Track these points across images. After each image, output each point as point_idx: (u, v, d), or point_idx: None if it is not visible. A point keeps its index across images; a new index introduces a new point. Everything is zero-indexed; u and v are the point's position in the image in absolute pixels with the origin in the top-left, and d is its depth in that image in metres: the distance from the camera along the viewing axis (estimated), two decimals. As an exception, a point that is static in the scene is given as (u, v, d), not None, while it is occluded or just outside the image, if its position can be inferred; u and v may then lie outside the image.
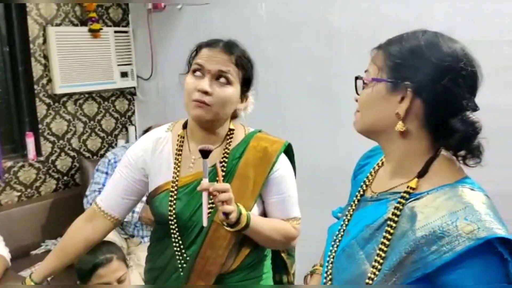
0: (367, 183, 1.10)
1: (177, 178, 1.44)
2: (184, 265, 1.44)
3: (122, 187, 1.51)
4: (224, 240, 1.41)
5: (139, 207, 2.80)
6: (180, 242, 1.44)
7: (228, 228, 1.34)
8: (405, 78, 0.93)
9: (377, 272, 0.93)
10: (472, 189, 0.92)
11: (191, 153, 1.46)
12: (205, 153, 1.27)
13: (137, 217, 2.80)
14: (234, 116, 1.49)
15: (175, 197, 1.43)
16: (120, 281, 1.84)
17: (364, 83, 1.01)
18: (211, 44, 1.39)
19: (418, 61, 0.92)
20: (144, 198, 2.80)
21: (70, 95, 3.41)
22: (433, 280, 0.86)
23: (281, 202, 1.48)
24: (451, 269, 0.84)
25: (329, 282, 1.06)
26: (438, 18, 2.15)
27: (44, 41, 3.20)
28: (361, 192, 1.10)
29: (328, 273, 1.07)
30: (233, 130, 1.48)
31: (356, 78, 1.03)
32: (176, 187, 1.43)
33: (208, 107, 1.35)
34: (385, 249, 0.93)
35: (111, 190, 1.53)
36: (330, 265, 1.07)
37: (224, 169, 1.42)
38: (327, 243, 1.14)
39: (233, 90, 1.39)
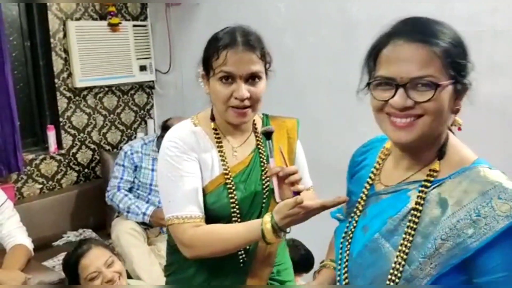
0: (373, 177, 1.09)
1: (228, 170, 1.41)
2: (246, 257, 1.42)
3: (193, 186, 1.37)
4: None
5: (150, 210, 2.84)
6: None
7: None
8: (465, 77, 0.93)
9: (404, 260, 0.92)
10: (490, 168, 0.92)
11: (230, 143, 1.45)
12: (267, 134, 1.31)
13: (147, 219, 2.83)
14: None
15: (234, 188, 1.40)
16: (109, 265, 1.88)
17: (433, 85, 0.89)
18: (230, 44, 1.32)
19: (466, 58, 0.94)
20: (155, 200, 2.76)
21: (90, 89, 3.46)
22: (469, 263, 0.87)
23: (302, 173, 1.45)
24: (491, 250, 0.85)
25: (346, 280, 1.05)
26: (458, 6, 2.12)
27: (64, 35, 3.25)
28: (368, 187, 1.09)
29: (344, 272, 1.06)
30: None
31: (420, 84, 0.91)
32: (231, 179, 1.40)
33: (249, 111, 1.36)
34: (411, 238, 0.93)
35: (185, 197, 1.35)
36: (345, 265, 1.06)
37: (263, 154, 1.46)
38: (336, 245, 1.12)
39: (264, 83, 1.39)
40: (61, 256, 2.60)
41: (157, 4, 3.59)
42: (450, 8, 2.12)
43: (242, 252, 1.42)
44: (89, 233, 3.21)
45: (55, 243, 3.09)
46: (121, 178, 2.96)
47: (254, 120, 1.49)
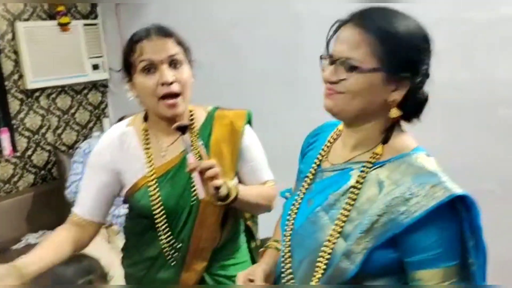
0: (322, 156, 1.16)
1: (153, 170, 1.43)
2: (176, 253, 1.46)
3: (94, 191, 1.47)
4: (213, 216, 1.44)
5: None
6: (169, 231, 1.44)
7: (220, 203, 1.33)
8: (404, 70, 0.97)
9: (338, 233, 1.00)
10: (427, 155, 1.02)
11: (160, 143, 1.46)
12: (182, 129, 1.29)
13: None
14: None
15: (157, 188, 1.42)
16: None
17: (359, 70, 0.97)
18: (144, 36, 1.35)
19: (414, 53, 0.97)
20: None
21: (42, 90, 3.42)
22: (398, 240, 0.96)
23: (254, 168, 1.52)
24: (417, 227, 0.93)
25: (288, 253, 1.13)
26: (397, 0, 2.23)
27: (13, 37, 3.20)
28: (316, 165, 1.16)
29: (287, 245, 1.13)
30: (192, 111, 1.49)
31: (342, 63, 0.99)
32: (154, 179, 1.43)
33: (179, 101, 1.35)
34: (347, 213, 1.01)
35: (85, 197, 1.49)
36: (288, 237, 1.13)
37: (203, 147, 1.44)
38: (282, 218, 1.20)
39: (188, 69, 1.39)
40: (21, 259, 2.57)
41: (107, 2, 3.57)
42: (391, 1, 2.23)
43: (172, 250, 1.46)
44: (49, 234, 3.18)
45: (14, 247, 3.06)
46: (82, 174, 2.96)
47: (192, 116, 1.48)
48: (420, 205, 0.93)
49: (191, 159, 1.26)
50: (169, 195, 1.42)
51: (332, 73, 1.00)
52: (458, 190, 0.93)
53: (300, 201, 1.15)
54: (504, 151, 2.08)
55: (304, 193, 1.15)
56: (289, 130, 2.77)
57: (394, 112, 1.00)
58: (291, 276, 1.11)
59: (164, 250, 1.46)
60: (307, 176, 1.16)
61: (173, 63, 1.36)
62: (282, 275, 1.13)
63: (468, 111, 2.12)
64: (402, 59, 0.96)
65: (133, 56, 1.36)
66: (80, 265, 1.76)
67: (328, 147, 1.17)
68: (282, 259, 1.14)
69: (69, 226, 1.47)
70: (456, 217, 0.94)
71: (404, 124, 1.07)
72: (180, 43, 1.39)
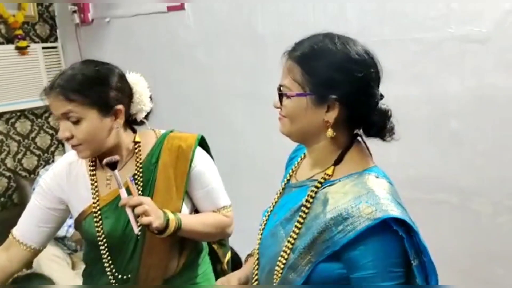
0: (292, 172, 1.22)
1: (97, 199, 1.43)
2: (124, 284, 1.45)
3: (37, 216, 1.47)
4: (163, 244, 1.44)
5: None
6: (113, 262, 1.44)
7: (158, 236, 1.35)
8: (329, 91, 1.01)
9: (290, 248, 1.05)
10: (377, 177, 1.05)
11: (105, 172, 1.45)
12: (112, 165, 1.30)
13: (72, 232, 2.80)
14: (136, 124, 1.50)
15: (100, 218, 1.42)
16: None
17: (287, 96, 1.05)
18: (46, 90, 1.35)
19: (338, 75, 1.01)
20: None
21: (1, 114, 3.35)
22: (341, 257, 0.99)
23: (208, 194, 1.51)
24: (355, 246, 0.97)
25: (257, 260, 1.18)
26: (351, 20, 2.32)
27: (-31, 62, 3.14)
28: (287, 180, 1.22)
29: (257, 252, 1.19)
30: (138, 142, 1.47)
31: (279, 90, 1.08)
32: (98, 208, 1.43)
33: (80, 148, 1.35)
34: (298, 229, 1.05)
35: (26, 219, 1.48)
36: (258, 245, 1.19)
37: (142, 179, 1.44)
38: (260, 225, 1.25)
39: (88, 123, 1.33)
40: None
41: (66, 25, 3.56)
42: (344, 21, 2.32)
43: (118, 282, 1.46)
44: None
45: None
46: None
47: (137, 146, 1.46)
48: (353, 226, 0.96)
49: (122, 195, 1.30)
50: (114, 225, 1.42)
51: (276, 101, 1.09)
52: (393, 212, 0.96)
53: (270, 213, 1.20)
54: (457, 161, 2.18)
55: (274, 206, 1.20)
56: (255, 146, 2.83)
57: (329, 132, 1.04)
58: (256, 282, 1.17)
59: (111, 281, 1.45)
60: (279, 190, 1.22)
61: (70, 119, 1.33)
62: (253, 280, 1.19)
63: (421, 125, 2.22)
64: (324, 83, 1.01)
65: None
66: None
67: (298, 163, 1.22)
68: (253, 265, 1.20)
69: (7, 246, 1.49)
70: (395, 237, 0.96)
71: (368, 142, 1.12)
72: (78, 97, 1.31)
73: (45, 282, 1.89)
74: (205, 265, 1.62)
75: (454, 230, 2.24)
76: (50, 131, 3.69)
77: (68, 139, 1.34)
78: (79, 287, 1.54)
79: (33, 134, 3.58)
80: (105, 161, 1.31)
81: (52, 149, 3.71)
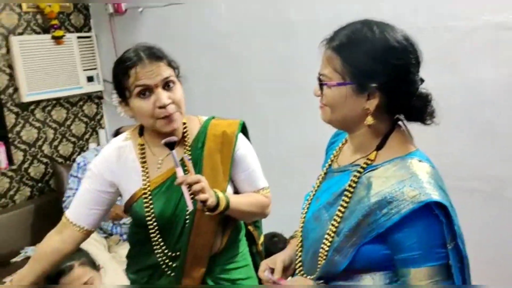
0: (333, 157, 1.25)
1: (148, 182, 1.49)
2: (172, 263, 1.52)
3: (88, 199, 1.53)
4: (209, 225, 1.50)
5: None
6: (163, 242, 1.50)
7: (209, 213, 1.41)
8: (369, 80, 1.02)
9: (334, 231, 1.09)
10: (420, 161, 1.07)
11: (155, 156, 1.51)
12: (170, 145, 1.36)
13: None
14: None
15: (150, 201, 1.48)
16: (86, 284, 1.92)
17: (327, 86, 1.07)
18: (137, 61, 1.39)
19: (377, 63, 1.02)
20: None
21: (37, 103, 3.45)
22: (385, 239, 1.03)
23: (249, 176, 1.58)
24: (399, 228, 1.00)
25: (300, 243, 1.22)
26: (383, 8, 2.32)
27: (8, 51, 3.24)
28: (328, 165, 1.25)
29: (300, 235, 1.23)
30: (185, 123, 1.53)
31: (319, 80, 1.09)
32: (149, 191, 1.48)
33: (176, 115, 1.42)
34: (341, 213, 1.09)
35: (78, 202, 1.55)
36: (301, 229, 1.23)
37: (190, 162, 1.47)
38: (301, 210, 1.28)
39: (180, 87, 1.46)
40: (16, 275, 2.60)
41: (100, 15, 3.63)
42: (376, 9, 2.32)
43: (168, 260, 1.52)
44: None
45: (13, 260, 3.06)
46: (76, 189, 3.00)
47: (185, 129, 1.53)
48: (398, 209, 0.99)
49: (179, 173, 1.35)
50: (164, 207, 1.48)
51: (316, 89, 1.12)
52: (435, 196, 0.98)
53: (312, 197, 1.23)
54: (490, 150, 2.17)
55: (316, 190, 1.24)
56: (289, 136, 2.86)
57: (369, 120, 1.07)
58: (300, 264, 1.21)
59: (160, 260, 1.52)
60: (320, 175, 1.25)
61: (167, 85, 1.42)
62: (296, 262, 1.22)
63: (455, 113, 2.21)
64: (364, 72, 1.03)
65: (127, 80, 1.40)
66: None
67: (340, 148, 1.25)
68: (297, 247, 1.24)
69: (60, 229, 1.56)
70: (437, 221, 0.99)
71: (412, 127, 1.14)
72: (170, 64, 1.45)
73: (85, 256, 1.98)
74: (243, 245, 1.68)
75: (486, 219, 2.24)
76: (85, 119, 3.79)
77: (165, 107, 1.39)
78: (138, 287, 1.62)
79: (68, 122, 3.68)
80: (164, 140, 1.37)
81: (87, 136, 3.81)
